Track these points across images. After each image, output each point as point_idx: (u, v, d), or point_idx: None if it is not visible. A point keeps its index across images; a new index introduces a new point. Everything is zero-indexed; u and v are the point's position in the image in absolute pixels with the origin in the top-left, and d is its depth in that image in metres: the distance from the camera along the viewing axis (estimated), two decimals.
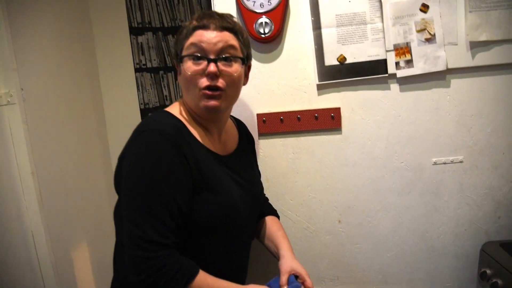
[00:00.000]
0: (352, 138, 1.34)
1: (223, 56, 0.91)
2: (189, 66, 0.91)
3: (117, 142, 2.05)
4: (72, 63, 1.83)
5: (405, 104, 1.31)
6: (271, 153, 1.36)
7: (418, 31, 1.26)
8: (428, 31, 1.26)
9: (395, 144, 1.33)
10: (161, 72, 2.19)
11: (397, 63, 1.28)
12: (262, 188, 1.22)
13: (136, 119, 2.13)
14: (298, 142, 1.35)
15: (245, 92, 1.33)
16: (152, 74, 2.17)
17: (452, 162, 1.35)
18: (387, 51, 1.28)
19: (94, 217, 1.92)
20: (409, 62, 1.28)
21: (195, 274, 0.83)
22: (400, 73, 1.28)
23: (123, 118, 2.08)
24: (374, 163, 1.34)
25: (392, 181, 1.36)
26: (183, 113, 0.97)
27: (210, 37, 0.90)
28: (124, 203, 0.85)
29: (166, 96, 2.21)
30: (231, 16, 0.98)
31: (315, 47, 1.29)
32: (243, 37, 0.97)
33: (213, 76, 0.90)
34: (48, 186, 1.51)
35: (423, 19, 1.26)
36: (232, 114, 1.35)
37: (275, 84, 1.32)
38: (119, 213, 0.94)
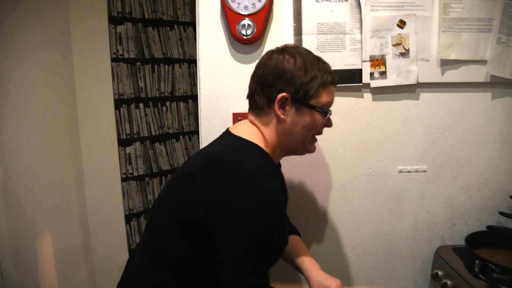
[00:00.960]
0: (324, 142, 1.38)
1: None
2: (319, 118, 0.97)
3: (88, 131, 2.02)
4: (46, 50, 1.77)
5: (376, 113, 1.37)
6: None
7: (393, 45, 1.32)
8: (403, 46, 1.32)
9: (364, 151, 1.39)
10: (138, 63, 2.16)
11: (371, 74, 1.33)
12: None
13: (110, 110, 2.10)
14: None
15: (223, 91, 1.35)
16: (129, 65, 2.14)
17: (416, 171, 1.42)
18: (363, 61, 1.33)
19: (60, 209, 1.88)
20: (383, 74, 1.33)
21: None
22: (374, 84, 1.34)
23: (96, 108, 2.05)
24: (344, 168, 1.40)
25: (359, 186, 1.42)
26: (268, 149, 0.98)
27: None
28: (231, 248, 0.82)
29: (141, 88, 2.19)
30: None
31: None
32: None
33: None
34: (14, 175, 1.47)
35: (399, 34, 1.32)
36: (208, 111, 1.38)
37: None
38: (166, 229, 0.90)
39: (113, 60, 2.07)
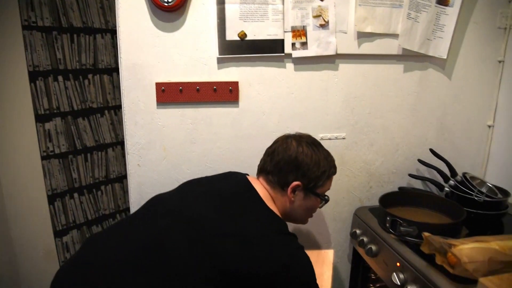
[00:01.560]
0: (248, 111, 1.41)
1: None
2: (319, 202, 1.16)
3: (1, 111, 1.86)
4: None
5: (298, 82, 1.42)
6: (169, 123, 1.37)
7: (314, 17, 1.36)
8: (323, 18, 1.37)
9: (287, 119, 1.44)
10: (54, 32, 2.00)
11: (293, 44, 1.37)
12: None
13: (24, 82, 1.93)
14: (197, 113, 1.38)
15: (145, 60, 1.31)
16: (44, 34, 1.97)
17: (336, 138, 1.50)
18: (285, 32, 1.35)
19: None
20: (304, 44, 1.37)
21: None
22: (295, 54, 1.38)
23: (7, 80, 1.88)
24: (268, 136, 1.43)
25: None
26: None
27: None
28: None
29: (60, 59, 2.04)
30: None
31: (217, 21, 1.31)
32: None
33: None
34: None
35: (319, 6, 1.36)
36: (129, 81, 1.33)
37: (176, 54, 1.32)
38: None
39: (24, 28, 1.89)
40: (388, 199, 1.39)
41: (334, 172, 1.18)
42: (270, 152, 1.15)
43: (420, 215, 1.38)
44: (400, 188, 1.61)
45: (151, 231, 0.98)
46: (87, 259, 0.96)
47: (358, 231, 1.46)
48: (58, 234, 2.20)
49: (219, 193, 1.09)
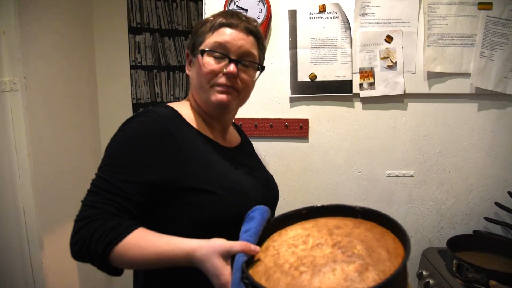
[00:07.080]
0: (317, 147, 1.50)
1: (245, 61, 0.89)
2: (208, 63, 0.87)
3: (108, 131, 2.19)
4: (72, 57, 1.95)
5: (366, 120, 1.48)
6: None
7: (381, 59, 1.43)
8: (390, 59, 1.43)
9: (354, 155, 1.50)
10: (155, 70, 2.33)
11: (361, 85, 1.45)
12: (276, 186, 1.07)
13: (128, 112, 2.27)
14: (269, 146, 1.51)
15: None
16: (146, 72, 2.31)
17: (404, 175, 1.52)
18: (353, 73, 1.44)
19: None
20: (372, 85, 1.44)
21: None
22: (363, 94, 1.45)
23: (115, 111, 2.22)
24: (335, 171, 1.51)
25: (350, 188, 1.53)
26: (193, 111, 0.93)
27: (236, 37, 0.87)
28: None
29: (157, 93, 2.35)
30: (255, 20, 0.95)
31: (290, 64, 1.45)
32: (263, 44, 0.96)
33: (230, 76, 0.87)
34: (42, 168, 1.64)
35: (387, 48, 1.43)
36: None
37: (253, 94, 1.47)
38: None
39: (132, 67, 2.24)
40: (459, 242, 1.36)
41: (222, 23, 0.88)
42: None
43: (493, 262, 1.32)
44: (474, 232, 1.55)
45: None
46: None
47: (425, 273, 1.43)
48: None
49: None
